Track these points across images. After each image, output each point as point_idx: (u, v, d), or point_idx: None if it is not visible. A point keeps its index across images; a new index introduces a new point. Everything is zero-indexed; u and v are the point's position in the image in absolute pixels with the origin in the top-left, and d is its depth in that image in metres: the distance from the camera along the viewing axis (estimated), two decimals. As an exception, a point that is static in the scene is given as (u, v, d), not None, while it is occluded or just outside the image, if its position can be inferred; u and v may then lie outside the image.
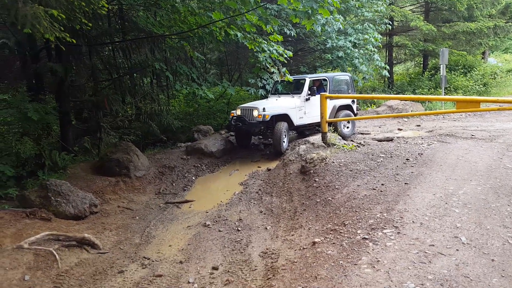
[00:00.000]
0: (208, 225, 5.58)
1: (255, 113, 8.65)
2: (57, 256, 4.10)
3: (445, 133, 9.46)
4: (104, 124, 8.51)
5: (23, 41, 8.61)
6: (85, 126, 8.83)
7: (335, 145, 8.19)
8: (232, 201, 6.67)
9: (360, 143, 8.62)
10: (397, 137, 9.29)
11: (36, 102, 7.24)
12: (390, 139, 9.04)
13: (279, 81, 10.28)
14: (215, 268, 4.16)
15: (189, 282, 3.90)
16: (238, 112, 9.11)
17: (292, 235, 4.88)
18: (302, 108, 9.38)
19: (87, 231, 4.95)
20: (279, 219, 5.64)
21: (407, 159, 6.90)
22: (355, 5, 11.80)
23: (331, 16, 10.47)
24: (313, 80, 9.90)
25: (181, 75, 10.72)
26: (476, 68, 18.07)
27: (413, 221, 4.13)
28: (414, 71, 20.97)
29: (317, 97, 9.35)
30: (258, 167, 8.60)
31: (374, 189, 5.45)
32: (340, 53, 11.70)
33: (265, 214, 5.99)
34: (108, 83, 9.43)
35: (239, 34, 7.91)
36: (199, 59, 10.62)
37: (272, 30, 7.93)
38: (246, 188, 7.31)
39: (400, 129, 10.83)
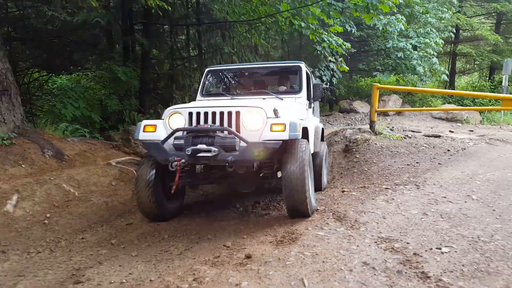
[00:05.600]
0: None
1: (259, 120, 3.64)
2: (135, 173, 5.22)
3: (496, 138, 9.52)
4: (176, 96, 9.75)
5: (114, 21, 10.10)
6: (159, 95, 10.14)
7: (381, 133, 8.71)
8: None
9: (407, 135, 9.00)
10: (446, 136, 9.54)
11: (124, 67, 8.60)
12: (437, 136, 9.30)
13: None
14: (257, 202, 5.00)
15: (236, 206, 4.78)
16: (178, 120, 3.86)
17: (326, 191, 5.59)
18: (305, 122, 4.48)
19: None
20: (317, 183, 6.37)
21: (448, 150, 7.26)
22: (420, 10, 12.10)
23: (394, 17, 10.91)
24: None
25: (245, 61, 11.76)
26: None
27: (434, 184, 4.68)
28: (480, 84, 20.39)
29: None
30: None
31: (408, 164, 6.00)
32: (400, 54, 12.05)
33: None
34: (183, 61, 10.70)
35: (302, 24, 8.73)
36: (263, 46, 11.58)
37: (333, 23, 8.65)
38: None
39: (452, 131, 10.98)
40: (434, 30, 12.71)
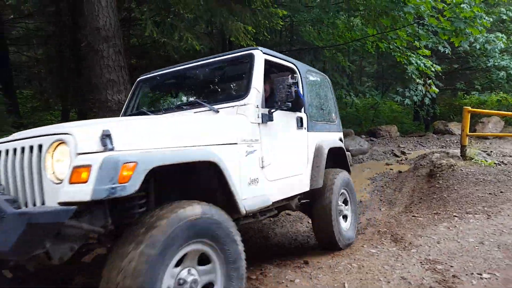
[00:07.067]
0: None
1: (63, 161, 1.85)
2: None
3: None
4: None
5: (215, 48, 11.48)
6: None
7: (472, 159, 8.41)
8: (357, 189, 7.85)
9: (502, 162, 8.53)
10: (555, 165, 8.74)
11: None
12: (541, 164, 8.61)
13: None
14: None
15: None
16: None
17: (400, 215, 5.81)
18: (253, 147, 2.81)
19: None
20: (394, 206, 6.58)
21: (547, 180, 6.81)
22: (527, 24, 11.28)
23: (493, 35, 10.44)
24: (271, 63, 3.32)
25: (333, 83, 12.27)
26: None
27: (508, 215, 4.65)
28: None
29: (289, 116, 3.44)
30: (390, 169, 9.46)
31: (490, 193, 5.88)
32: (502, 73, 11.36)
33: (383, 201, 6.98)
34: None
35: (391, 46, 8.98)
36: (350, 67, 11.94)
37: (420, 45, 8.74)
38: (373, 182, 8.34)
39: (562, 159, 9.94)
40: (545, 46, 11.66)
